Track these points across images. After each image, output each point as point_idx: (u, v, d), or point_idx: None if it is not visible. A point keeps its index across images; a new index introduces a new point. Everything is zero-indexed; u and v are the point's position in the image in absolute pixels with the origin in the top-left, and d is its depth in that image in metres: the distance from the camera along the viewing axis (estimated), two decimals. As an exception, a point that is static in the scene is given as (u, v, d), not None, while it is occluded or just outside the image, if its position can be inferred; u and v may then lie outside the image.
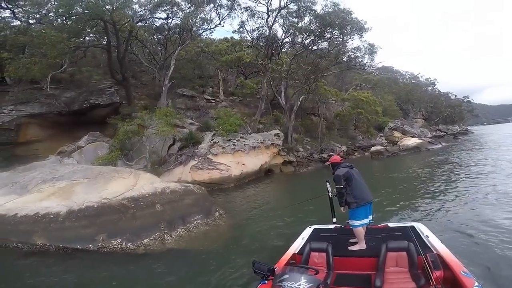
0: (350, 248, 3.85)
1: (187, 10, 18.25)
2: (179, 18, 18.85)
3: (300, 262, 3.60)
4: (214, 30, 22.81)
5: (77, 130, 16.38)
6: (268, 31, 18.95)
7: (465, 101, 62.37)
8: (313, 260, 3.68)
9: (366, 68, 23.96)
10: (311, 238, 4.15)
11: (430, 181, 11.04)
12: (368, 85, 33.53)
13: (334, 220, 4.83)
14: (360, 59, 22.34)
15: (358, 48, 21.78)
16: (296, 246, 3.97)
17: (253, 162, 15.36)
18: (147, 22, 19.63)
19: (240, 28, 20.37)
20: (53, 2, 15.70)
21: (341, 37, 19.89)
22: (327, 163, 4.71)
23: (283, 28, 19.42)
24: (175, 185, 7.85)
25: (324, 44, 20.82)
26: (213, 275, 4.52)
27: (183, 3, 18.50)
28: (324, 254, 3.69)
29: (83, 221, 5.86)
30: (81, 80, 17.67)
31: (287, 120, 20.75)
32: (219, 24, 20.98)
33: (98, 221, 5.87)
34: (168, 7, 18.25)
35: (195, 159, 13.74)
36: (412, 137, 27.75)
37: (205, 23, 20.32)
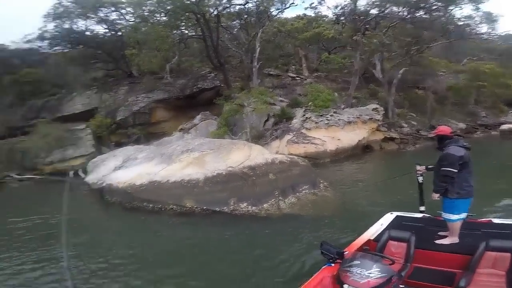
0: (439, 241, 3.42)
1: None
2: (255, 2, 19.04)
3: (374, 249, 3.35)
4: (287, 8, 21.95)
5: (190, 111, 19.47)
6: (353, 5, 17.47)
7: None
8: (390, 249, 3.42)
9: (485, 38, 19.07)
10: (392, 225, 3.86)
11: None
12: (490, 56, 26.45)
13: (422, 208, 4.30)
14: (475, 29, 18.19)
15: (470, 17, 17.60)
16: (372, 232, 3.75)
17: (349, 137, 14.85)
18: (228, 9, 20.58)
19: (317, 4, 19.17)
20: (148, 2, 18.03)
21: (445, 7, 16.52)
22: (430, 134, 4.03)
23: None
24: (282, 156, 8.53)
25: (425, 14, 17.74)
26: (321, 237, 4.89)
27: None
28: (404, 244, 3.38)
29: (217, 186, 7.12)
30: (186, 69, 20.66)
31: (386, 94, 18.72)
32: (293, 3, 20.64)
33: (228, 186, 7.03)
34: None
35: (290, 133, 14.33)
36: None
37: (281, 3, 20.14)
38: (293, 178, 7.58)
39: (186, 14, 17.22)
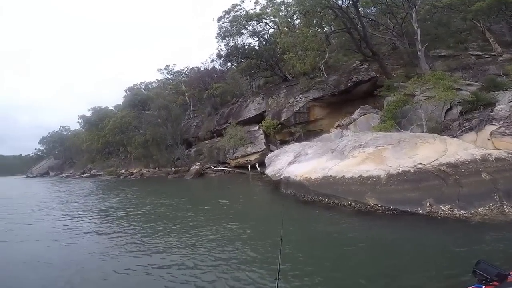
0: None
1: None
2: None
3: None
4: None
5: (345, 106, 19.08)
6: None
7: None
8: None
9: None
10: None
11: None
12: None
13: None
14: None
15: None
16: None
17: None
18: None
19: None
20: (285, 6, 18.33)
21: None
22: None
23: None
24: (498, 152, 6.45)
25: None
26: None
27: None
28: None
29: (405, 184, 6.38)
30: (334, 65, 20.15)
31: None
32: None
33: (420, 185, 6.15)
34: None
35: (494, 123, 10.65)
36: None
37: None
38: (524, 181, 5.55)
39: (321, 10, 16.83)
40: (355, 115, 16.34)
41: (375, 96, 16.52)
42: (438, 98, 11.97)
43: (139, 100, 32.45)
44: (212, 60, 30.08)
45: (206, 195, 14.83)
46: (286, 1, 19.83)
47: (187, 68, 36.48)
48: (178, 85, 36.89)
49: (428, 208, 5.76)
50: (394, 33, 21.07)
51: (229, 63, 28.61)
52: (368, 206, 6.80)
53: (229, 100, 29.13)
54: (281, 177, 11.32)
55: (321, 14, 17.70)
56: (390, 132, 12.87)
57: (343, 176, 7.94)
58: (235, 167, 21.93)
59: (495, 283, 2.33)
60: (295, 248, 5.28)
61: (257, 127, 22.00)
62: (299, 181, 9.57)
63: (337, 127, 17.71)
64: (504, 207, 5.13)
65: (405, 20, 18.84)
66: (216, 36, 25.70)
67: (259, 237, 6.22)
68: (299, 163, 10.93)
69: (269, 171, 13.34)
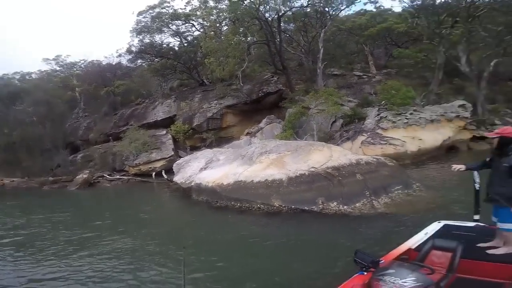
0: (490, 251, 3.17)
1: None
2: (319, 3, 18.75)
3: (414, 259, 3.11)
4: (355, 3, 20.86)
5: (255, 115, 20.29)
6: None
7: None
8: (432, 259, 3.16)
9: None
10: (438, 234, 3.62)
11: None
12: None
13: (477, 217, 3.93)
14: None
15: None
16: (414, 241, 3.53)
17: (432, 137, 13.45)
18: (290, 11, 20.48)
19: None
20: (217, 11, 18.99)
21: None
22: (490, 134, 3.37)
23: None
24: (367, 157, 8.23)
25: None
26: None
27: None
28: (449, 254, 3.12)
29: (302, 186, 7.29)
30: (250, 75, 21.48)
31: (476, 89, 16.36)
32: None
33: (313, 186, 7.16)
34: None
35: (364, 134, 13.68)
36: None
37: (344, 2, 19.49)
38: (382, 179, 7.31)
39: (249, 20, 17.89)
40: (262, 123, 17.63)
41: (280, 107, 18.35)
42: (327, 112, 14.38)
43: (8, 93, 25.69)
44: (119, 55, 26.61)
45: (99, 207, 12.70)
46: (219, 6, 19.61)
47: (84, 61, 30.52)
48: (68, 78, 30.35)
49: (320, 206, 6.75)
50: (303, 50, 23.65)
51: (139, 61, 26.04)
52: (274, 207, 7.41)
53: (133, 100, 26.12)
54: (192, 184, 10.90)
55: (248, 23, 18.46)
56: (290, 140, 14.59)
57: (252, 180, 8.38)
58: (135, 175, 19.63)
59: (371, 269, 2.64)
60: (205, 253, 5.24)
61: (164, 132, 20.54)
62: (211, 187, 9.46)
63: (246, 134, 18.62)
64: (373, 202, 6.60)
65: (314, 39, 21.36)
66: (131, 30, 23.00)
67: (165, 247, 5.80)
68: (211, 169, 10.83)
69: (178, 178, 12.63)
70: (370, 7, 25.27)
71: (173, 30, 23.60)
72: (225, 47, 17.72)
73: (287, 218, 7.04)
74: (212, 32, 18.88)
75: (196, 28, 24.12)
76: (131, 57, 25.41)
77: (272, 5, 17.97)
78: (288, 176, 7.81)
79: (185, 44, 24.26)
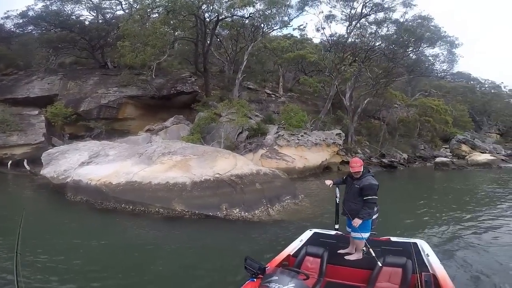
0: (347, 257, 3.80)
1: (268, 12, 18.88)
2: (258, 18, 19.55)
3: (293, 264, 3.55)
4: (284, 28, 23.18)
5: (161, 112, 18.89)
6: (346, 36, 19.37)
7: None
8: (306, 265, 3.63)
9: (442, 76, 22.64)
10: (309, 241, 4.12)
11: (480, 200, 10.36)
12: (439, 92, 30.21)
13: (337, 226, 4.55)
14: (438, 67, 21.49)
15: (436, 56, 20.94)
16: (292, 248, 3.95)
17: (314, 157, 16.08)
18: (230, 18, 20.33)
19: (318, 29, 20.93)
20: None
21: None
22: (355, 168, 3.86)
23: (360, 35, 19.62)
24: (265, 168, 9.03)
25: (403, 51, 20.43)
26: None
27: (262, 5, 19.05)
28: (318, 259, 3.65)
29: (206, 191, 7.21)
30: (165, 69, 20.11)
31: (349, 122, 20.86)
32: (288, 24, 21.81)
33: (218, 192, 7.21)
34: (251, 7, 18.85)
35: (264, 148, 14.95)
36: (483, 152, 25.31)
37: (279, 23, 21.13)
38: (276, 189, 8.15)
39: (187, 15, 16.78)
40: (168, 122, 16.63)
41: (192, 109, 17.79)
42: (236, 122, 15.01)
43: None
44: (7, 17, 19.86)
45: None
46: None
47: None
48: None
49: (224, 212, 6.88)
50: (228, 58, 23.74)
51: (31, 27, 20.37)
52: (176, 212, 7.02)
53: (2, 69, 19.61)
54: (68, 180, 8.98)
55: (184, 18, 16.99)
56: (197, 144, 14.37)
57: (150, 182, 7.69)
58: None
59: (260, 275, 2.76)
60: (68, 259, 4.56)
61: (37, 112, 16.21)
62: (95, 186, 8.05)
63: (147, 130, 17.08)
64: (269, 209, 7.24)
65: (242, 50, 21.56)
66: None
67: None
68: (97, 165, 9.25)
69: (48, 171, 10.16)
70: (296, 33, 28.16)
71: (92, 3, 20.02)
72: (147, 34, 15.99)
73: (189, 223, 6.78)
74: (139, 16, 16.61)
75: (122, 8, 21.05)
76: (21, 21, 19.78)
77: (216, 7, 17.43)
78: (193, 180, 7.59)
79: (100, 21, 20.78)
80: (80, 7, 20.23)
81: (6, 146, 14.74)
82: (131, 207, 7.33)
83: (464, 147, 26.71)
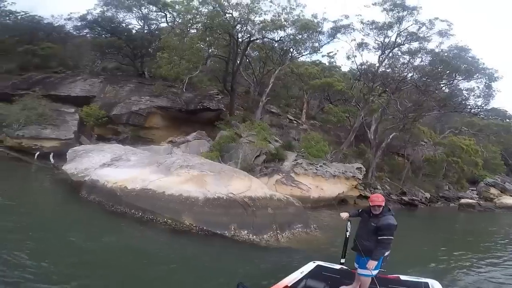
0: None
1: (298, 37, 19.39)
2: (289, 42, 20.01)
3: None
4: (314, 54, 23.36)
5: (185, 125, 19.48)
6: (377, 65, 18.89)
7: None
8: None
9: (476, 113, 21.16)
10: (311, 274, 3.95)
11: (503, 242, 9.81)
12: (471, 130, 26.61)
13: (343, 261, 4.44)
14: (472, 102, 20.08)
15: (472, 90, 19.38)
16: (291, 279, 3.75)
17: (331, 188, 15.52)
18: (261, 40, 21.07)
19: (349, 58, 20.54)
20: (197, 12, 18.40)
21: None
22: (376, 202, 3.66)
23: (392, 65, 19.11)
24: (279, 194, 8.80)
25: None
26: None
27: (293, 29, 19.47)
28: None
29: (218, 209, 7.12)
30: (196, 84, 21.00)
31: (372, 156, 20.14)
32: (318, 50, 22.04)
33: (229, 212, 7.10)
34: (282, 31, 19.36)
35: (280, 174, 14.70)
36: (512, 196, 23.28)
37: (308, 49, 21.43)
38: (288, 216, 7.92)
39: (222, 33, 17.70)
40: (190, 137, 17.03)
41: (214, 126, 18.16)
42: (255, 145, 15.03)
43: None
44: (69, 19, 22.49)
45: None
46: (200, 8, 18.32)
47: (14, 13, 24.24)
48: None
49: (232, 232, 6.74)
50: (255, 79, 24.33)
51: (86, 30, 22.75)
52: (184, 225, 6.96)
53: (51, 67, 21.61)
54: (86, 178, 9.27)
55: (219, 36, 18.03)
56: (214, 161, 14.44)
57: (164, 192, 7.73)
58: (11, 148, 15.51)
59: None
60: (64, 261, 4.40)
61: (73, 110, 17.38)
62: (110, 188, 8.23)
63: (169, 142, 17.54)
64: (278, 235, 7.00)
65: (268, 73, 21.98)
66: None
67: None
68: (116, 168, 9.53)
69: (69, 167, 10.60)
70: (325, 60, 27.97)
71: (141, 13, 21.87)
72: (185, 48, 17.04)
73: (195, 238, 6.65)
74: (179, 30, 17.94)
75: (166, 20, 22.75)
76: (80, 24, 22.17)
77: (249, 28, 18.20)
78: (206, 196, 7.53)
79: (145, 31, 22.60)
80: (130, 15, 22.13)
81: (38, 138, 15.72)
82: (140, 213, 7.36)
83: (493, 190, 24.92)
